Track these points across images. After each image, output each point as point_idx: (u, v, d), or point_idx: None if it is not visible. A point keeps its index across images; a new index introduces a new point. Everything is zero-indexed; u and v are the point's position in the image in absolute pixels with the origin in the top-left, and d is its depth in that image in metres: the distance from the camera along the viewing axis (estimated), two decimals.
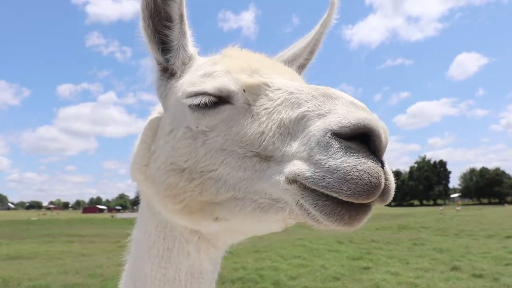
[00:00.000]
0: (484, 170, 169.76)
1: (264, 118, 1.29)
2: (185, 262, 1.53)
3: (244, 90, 1.36)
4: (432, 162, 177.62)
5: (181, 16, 1.53)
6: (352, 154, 1.08)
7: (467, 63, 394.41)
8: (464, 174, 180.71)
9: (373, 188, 1.06)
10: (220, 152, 1.33)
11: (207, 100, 1.37)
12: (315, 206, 1.12)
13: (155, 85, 1.64)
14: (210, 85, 1.39)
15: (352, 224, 1.12)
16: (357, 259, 15.14)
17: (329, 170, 1.07)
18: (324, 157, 1.09)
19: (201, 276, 1.56)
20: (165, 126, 1.51)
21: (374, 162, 1.08)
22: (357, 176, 1.05)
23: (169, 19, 1.53)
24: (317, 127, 1.14)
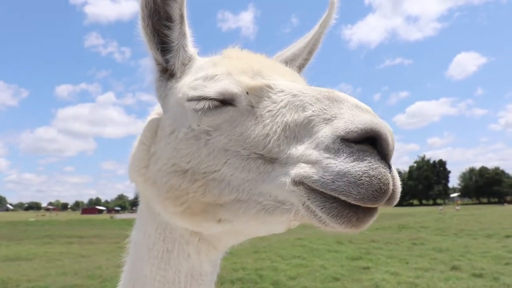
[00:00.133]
0: (483, 170, 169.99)
1: (268, 121, 1.28)
2: (185, 264, 1.52)
3: (247, 93, 1.36)
4: (431, 161, 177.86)
5: (182, 16, 1.52)
6: (364, 158, 1.09)
7: (466, 62, 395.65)
8: (464, 174, 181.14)
9: (382, 194, 1.07)
10: (223, 152, 1.32)
11: (210, 105, 1.36)
12: (322, 208, 1.12)
13: (154, 86, 1.62)
14: (212, 90, 1.38)
15: (358, 226, 1.13)
16: (356, 259, 15.13)
17: (339, 174, 1.08)
18: (334, 162, 1.09)
19: (200, 277, 1.55)
20: (166, 127, 1.49)
21: (385, 167, 1.09)
22: (368, 181, 1.06)
23: (169, 19, 1.52)
24: (325, 133, 1.15)
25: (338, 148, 1.10)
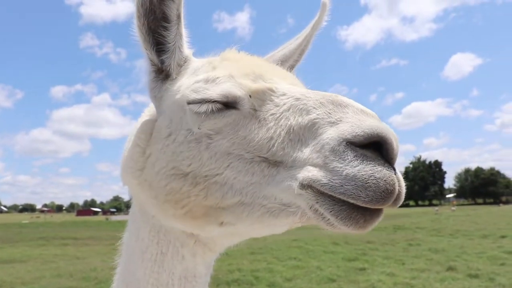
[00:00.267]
0: (479, 170, 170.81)
1: (272, 124, 1.29)
2: (178, 266, 1.51)
3: (250, 96, 1.35)
4: (427, 162, 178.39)
5: (179, 17, 1.50)
6: (368, 162, 1.11)
7: (462, 63, 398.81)
8: (459, 174, 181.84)
9: (389, 195, 1.09)
10: (226, 155, 1.31)
11: (213, 107, 1.35)
12: (331, 211, 1.14)
13: (148, 87, 1.60)
14: (215, 92, 1.37)
15: (365, 227, 1.15)
16: (352, 260, 15.15)
17: (347, 177, 1.10)
18: (341, 165, 1.11)
19: (194, 279, 1.54)
20: (162, 129, 1.47)
21: (389, 170, 1.12)
22: (375, 184, 1.08)
23: (165, 19, 1.50)
24: (330, 135, 1.16)
25: (344, 151, 1.12)
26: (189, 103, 1.40)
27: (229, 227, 1.36)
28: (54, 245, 24.21)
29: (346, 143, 1.13)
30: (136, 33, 1.49)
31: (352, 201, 1.10)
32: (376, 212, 1.15)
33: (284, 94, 1.34)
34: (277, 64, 1.74)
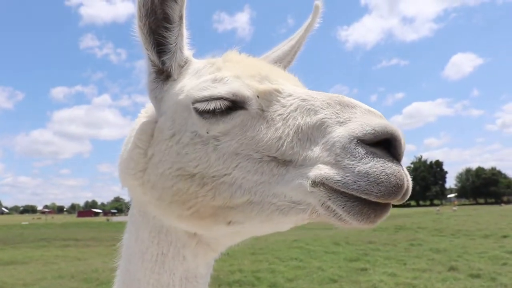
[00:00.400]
0: (480, 170, 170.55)
1: (280, 124, 1.31)
2: (180, 267, 1.51)
3: (257, 96, 1.37)
4: (428, 162, 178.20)
5: (181, 18, 1.51)
6: (379, 159, 1.15)
7: (462, 63, 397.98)
8: (460, 174, 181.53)
9: (399, 189, 1.14)
10: (234, 156, 1.33)
11: (221, 105, 1.36)
12: (343, 207, 1.17)
13: (148, 87, 1.60)
14: (223, 89, 1.38)
15: (375, 221, 1.19)
16: (354, 261, 15.15)
17: (359, 174, 1.13)
18: (353, 162, 1.15)
19: (195, 280, 1.55)
20: (165, 130, 1.47)
21: (397, 165, 1.16)
22: (386, 179, 1.12)
23: (167, 20, 1.50)
24: (340, 133, 1.19)
25: (355, 148, 1.16)
26: (196, 101, 1.40)
27: (237, 226, 1.37)
28: (55, 247, 24.24)
29: (357, 141, 1.16)
30: (137, 34, 1.49)
31: (365, 196, 1.13)
32: (385, 207, 1.19)
33: (290, 95, 1.37)
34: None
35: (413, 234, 25.61)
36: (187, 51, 1.61)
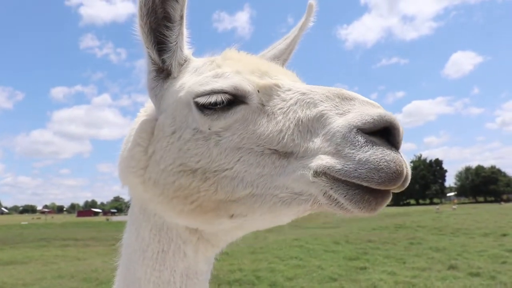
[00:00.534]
0: (479, 169, 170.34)
1: (281, 117, 1.34)
2: (180, 263, 1.52)
3: (258, 91, 1.40)
4: (428, 161, 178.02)
5: (182, 17, 1.52)
6: (378, 147, 1.17)
7: (462, 61, 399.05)
8: (460, 173, 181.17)
9: (399, 175, 1.16)
10: (236, 150, 1.35)
11: (222, 98, 1.38)
12: (345, 196, 1.19)
13: (148, 86, 1.61)
14: (225, 84, 1.41)
15: (376, 209, 1.21)
16: (353, 259, 15.15)
17: (360, 162, 1.16)
18: (353, 151, 1.17)
19: (196, 276, 1.56)
20: (166, 128, 1.49)
21: (396, 153, 1.19)
22: (386, 166, 1.14)
23: (168, 19, 1.52)
24: (340, 123, 1.22)
25: (355, 137, 1.18)
26: (197, 96, 1.42)
27: (240, 219, 1.39)
28: (55, 246, 24.23)
29: (356, 130, 1.19)
30: (138, 32, 1.51)
31: (366, 184, 1.15)
32: (386, 194, 1.21)
33: (290, 89, 1.40)
34: None
35: (412, 232, 25.61)
36: (187, 50, 1.63)
